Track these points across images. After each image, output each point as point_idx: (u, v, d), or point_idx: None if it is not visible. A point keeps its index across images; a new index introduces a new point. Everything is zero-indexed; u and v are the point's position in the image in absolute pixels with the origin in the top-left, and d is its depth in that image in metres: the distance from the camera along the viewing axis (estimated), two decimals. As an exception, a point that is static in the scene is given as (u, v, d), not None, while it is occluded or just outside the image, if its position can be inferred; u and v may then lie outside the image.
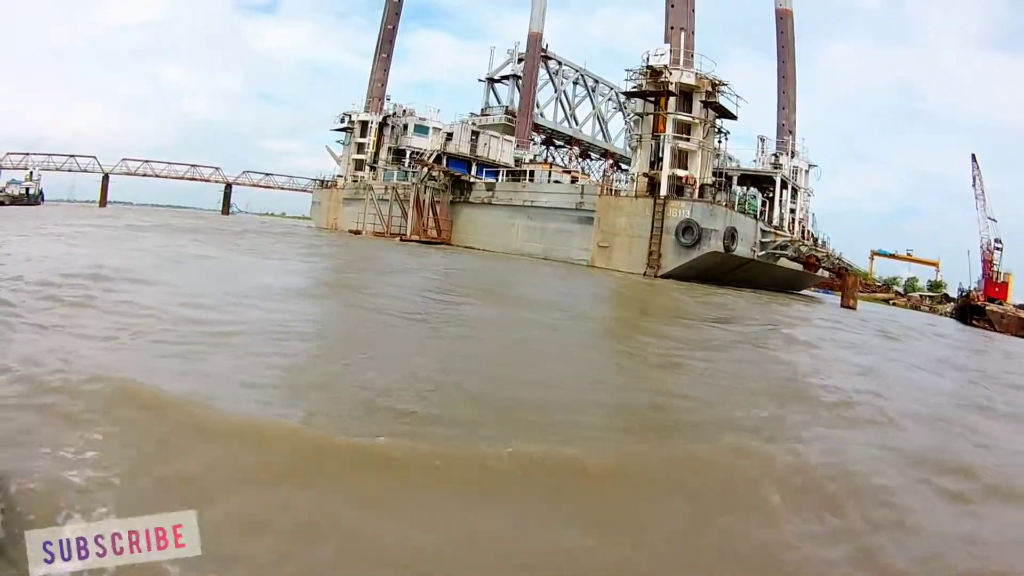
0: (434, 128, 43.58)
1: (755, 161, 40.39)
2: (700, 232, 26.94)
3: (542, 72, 51.51)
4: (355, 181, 45.47)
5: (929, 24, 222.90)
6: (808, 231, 40.26)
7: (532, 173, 36.68)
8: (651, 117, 30.20)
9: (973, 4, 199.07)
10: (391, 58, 49.30)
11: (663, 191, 28.73)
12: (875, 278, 71.92)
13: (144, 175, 74.02)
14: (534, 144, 50.43)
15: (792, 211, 38.76)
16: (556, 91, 55.08)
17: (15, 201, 57.47)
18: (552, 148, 56.47)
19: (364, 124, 46.16)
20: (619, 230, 29.14)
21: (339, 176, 48.24)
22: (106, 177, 73.25)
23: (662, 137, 29.53)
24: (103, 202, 73.37)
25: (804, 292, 41.89)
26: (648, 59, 29.83)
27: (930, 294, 67.79)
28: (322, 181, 51.35)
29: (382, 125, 45.60)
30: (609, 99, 60.83)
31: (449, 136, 41.48)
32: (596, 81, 58.90)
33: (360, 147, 46.14)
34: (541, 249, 31.71)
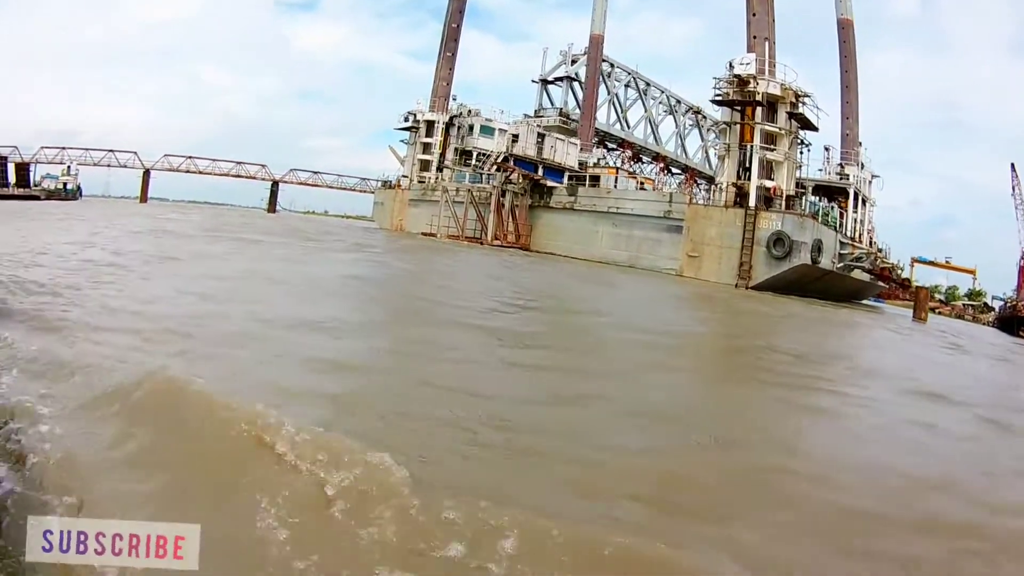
0: (500, 129, 43.56)
1: (821, 171, 40.59)
2: (791, 244, 27.38)
3: (596, 74, 51.57)
4: (421, 182, 45.56)
5: (963, 32, 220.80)
6: (874, 242, 40.55)
7: (598, 178, 37.00)
8: (738, 127, 30.53)
9: (1002, 10, 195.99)
10: (456, 57, 49.24)
11: (752, 202, 29.08)
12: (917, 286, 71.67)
13: (187, 171, 73.41)
14: (596, 148, 50.67)
15: (861, 222, 39.04)
16: (609, 93, 55.07)
17: (51, 196, 57.49)
18: (604, 151, 56.63)
19: (429, 124, 46.25)
20: (709, 240, 29.50)
21: (403, 176, 48.28)
22: (147, 173, 72.75)
23: (749, 147, 29.88)
24: (144, 198, 72.59)
25: (864, 302, 42.18)
26: (734, 67, 30.07)
27: (972, 303, 67.74)
28: (386, 182, 51.42)
29: (448, 125, 45.80)
30: (660, 103, 60.88)
31: (515, 138, 41.33)
32: (648, 84, 58.86)
33: (426, 147, 46.17)
34: (627, 257, 31.94)
